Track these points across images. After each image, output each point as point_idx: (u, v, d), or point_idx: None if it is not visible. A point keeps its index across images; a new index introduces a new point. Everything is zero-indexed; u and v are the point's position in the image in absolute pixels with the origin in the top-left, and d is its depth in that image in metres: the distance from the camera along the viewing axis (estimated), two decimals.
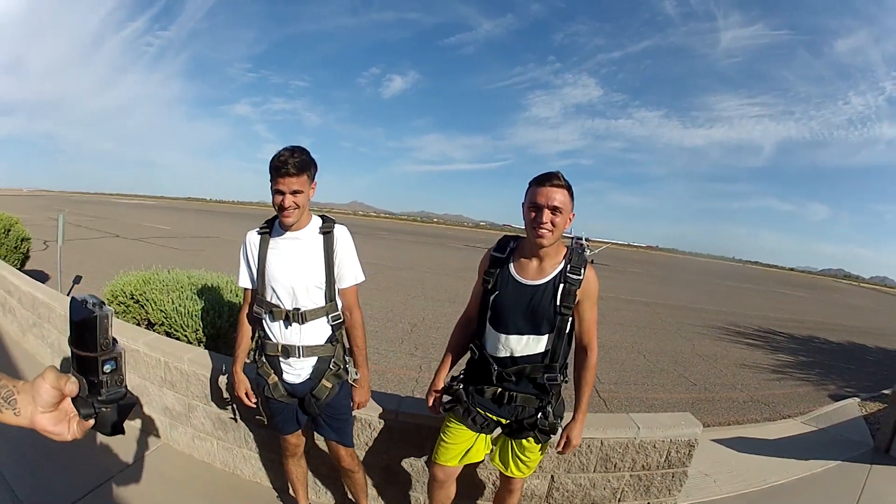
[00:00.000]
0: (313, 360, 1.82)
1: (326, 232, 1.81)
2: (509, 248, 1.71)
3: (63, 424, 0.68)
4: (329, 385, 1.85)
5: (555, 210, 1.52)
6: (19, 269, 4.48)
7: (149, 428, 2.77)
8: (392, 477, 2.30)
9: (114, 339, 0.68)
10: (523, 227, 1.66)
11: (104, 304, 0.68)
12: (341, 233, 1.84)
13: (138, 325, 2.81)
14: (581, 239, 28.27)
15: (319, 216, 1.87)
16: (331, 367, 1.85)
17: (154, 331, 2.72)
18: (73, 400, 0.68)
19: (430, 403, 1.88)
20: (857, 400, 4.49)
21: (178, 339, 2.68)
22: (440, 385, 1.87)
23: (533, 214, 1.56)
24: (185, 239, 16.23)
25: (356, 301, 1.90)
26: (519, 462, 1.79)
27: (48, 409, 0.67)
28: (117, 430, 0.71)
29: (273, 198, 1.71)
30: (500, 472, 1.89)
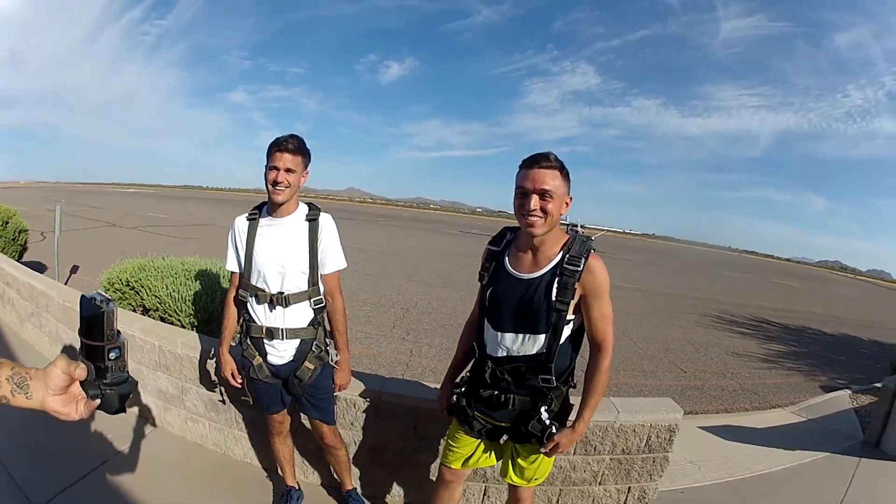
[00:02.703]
0: (296, 342, 1.89)
1: (312, 219, 1.88)
2: (505, 241, 1.61)
3: (71, 406, 0.75)
4: (311, 366, 1.91)
5: (544, 194, 1.37)
6: (17, 261, 4.57)
7: (144, 412, 2.85)
8: (377, 458, 2.36)
9: (118, 331, 0.77)
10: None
11: (110, 300, 0.77)
12: (326, 221, 1.91)
13: (134, 311, 2.89)
14: (577, 226, 28.40)
15: (306, 203, 1.94)
16: (313, 349, 1.92)
17: (149, 316, 2.80)
18: (82, 384, 0.76)
19: (442, 413, 1.82)
20: (849, 392, 4.48)
21: (172, 323, 2.75)
22: (446, 392, 1.81)
23: (521, 201, 1.41)
24: (181, 227, 16.30)
25: (338, 286, 1.96)
26: (519, 469, 1.67)
27: (58, 392, 0.74)
28: (120, 409, 0.79)
29: (267, 174, 1.79)
30: (509, 485, 1.77)
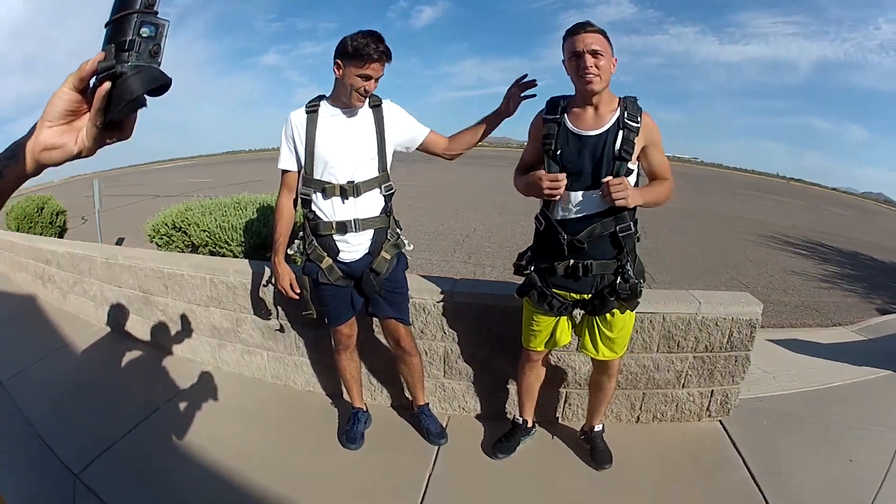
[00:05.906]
0: (370, 232, 1.81)
1: (376, 105, 1.82)
2: (560, 107, 1.63)
3: (69, 135, 0.54)
4: (388, 256, 1.83)
5: (595, 54, 1.48)
6: None
7: (195, 354, 2.77)
8: (450, 367, 2.26)
9: (158, 15, 0.54)
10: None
11: None
12: (389, 104, 1.85)
13: (182, 252, 2.82)
14: None
15: None
16: (388, 237, 1.84)
17: (198, 254, 2.73)
18: (95, 76, 0.53)
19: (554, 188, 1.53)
20: None
21: (223, 256, 2.68)
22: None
23: (576, 63, 1.51)
24: (229, 187, 15.93)
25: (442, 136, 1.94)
26: (608, 341, 1.74)
27: (57, 122, 0.54)
28: (138, 101, 0.53)
29: (353, 80, 1.67)
30: (593, 358, 1.83)
